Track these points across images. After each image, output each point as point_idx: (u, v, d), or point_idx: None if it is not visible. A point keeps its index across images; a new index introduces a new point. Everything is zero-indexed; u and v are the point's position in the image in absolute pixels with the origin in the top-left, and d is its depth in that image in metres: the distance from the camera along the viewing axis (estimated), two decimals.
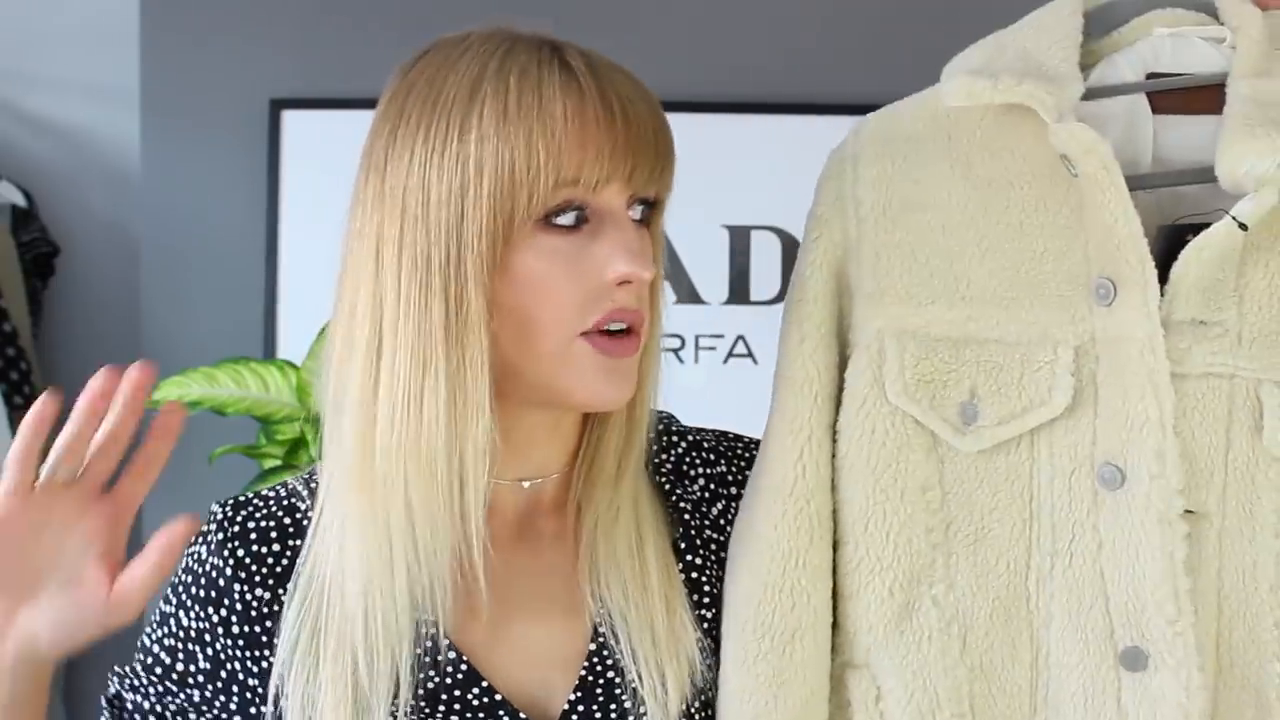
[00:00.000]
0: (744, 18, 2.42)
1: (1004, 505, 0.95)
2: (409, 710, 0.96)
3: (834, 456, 1.00)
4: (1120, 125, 0.97)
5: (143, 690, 1.03)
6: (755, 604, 0.98)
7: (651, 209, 0.99)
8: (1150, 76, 0.98)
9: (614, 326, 0.94)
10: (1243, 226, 0.88)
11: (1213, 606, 0.90)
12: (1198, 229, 0.90)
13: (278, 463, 2.13)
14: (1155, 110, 0.97)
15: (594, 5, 2.26)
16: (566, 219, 0.93)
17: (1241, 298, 0.90)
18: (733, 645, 0.99)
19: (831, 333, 1.01)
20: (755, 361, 2.36)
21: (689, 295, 2.36)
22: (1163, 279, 0.90)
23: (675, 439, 1.10)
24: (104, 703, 1.06)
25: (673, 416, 1.12)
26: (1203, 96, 0.95)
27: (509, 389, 0.96)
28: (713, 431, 1.12)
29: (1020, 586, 0.94)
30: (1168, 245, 0.92)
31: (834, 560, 1.00)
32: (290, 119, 2.40)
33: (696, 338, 2.36)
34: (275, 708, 0.97)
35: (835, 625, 1.00)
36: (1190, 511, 0.90)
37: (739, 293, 2.38)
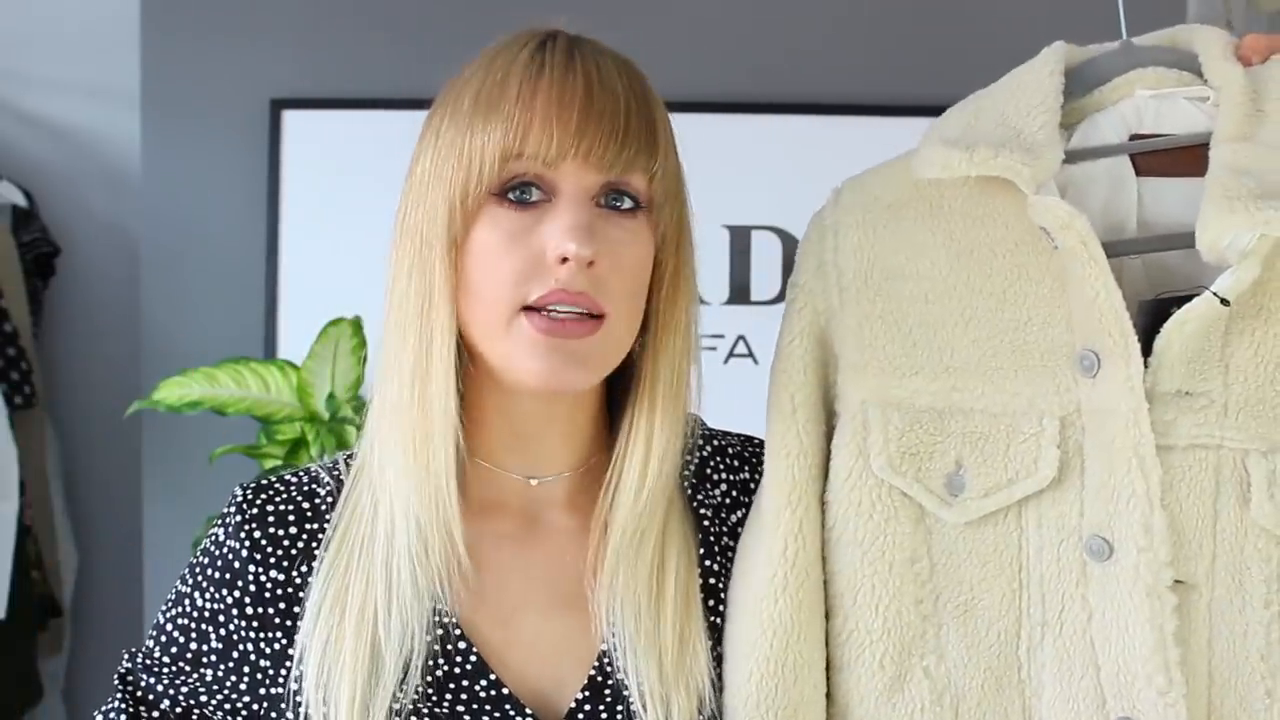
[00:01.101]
0: (745, 18, 2.42)
1: (993, 576, 0.94)
2: (417, 695, 0.97)
3: (823, 528, 1.00)
4: (1104, 189, 0.96)
5: (156, 672, 1.05)
6: (759, 679, 0.97)
7: (645, 203, 0.97)
8: (1133, 137, 0.97)
9: (560, 308, 0.93)
10: (1224, 302, 0.88)
11: (1203, 676, 0.90)
12: (1181, 301, 0.89)
13: (278, 463, 2.13)
14: (1139, 172, 0.96)
15: (594, 5, 2.26)
16: (518, 194, 0.94)
17: (1227, 368, 0.90)
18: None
19: (819, 402, 1.01)
20: (755, 361, 2.36)
21: None
22: (1148, 350, 0.90)
23: (700, 442, 1.09)
24: (116, 680, 1.07)
25: (698, 418, 1.11)
26: (1187, 157, 0.94)
27: (487, 371, 0.98)
28: (738, 436, 1.12)
29: (1011, 656, 0.93)
30: (1152, 318, 0.91)
31: (825, 632, 0.99)
32: (290, 119, 2.40)
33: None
34: (298, 669, 0.99)
35: (828, 696, 0.99)
36: (1179, 582, 0.90)
37: (739, 293, 2.38)
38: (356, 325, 2.11)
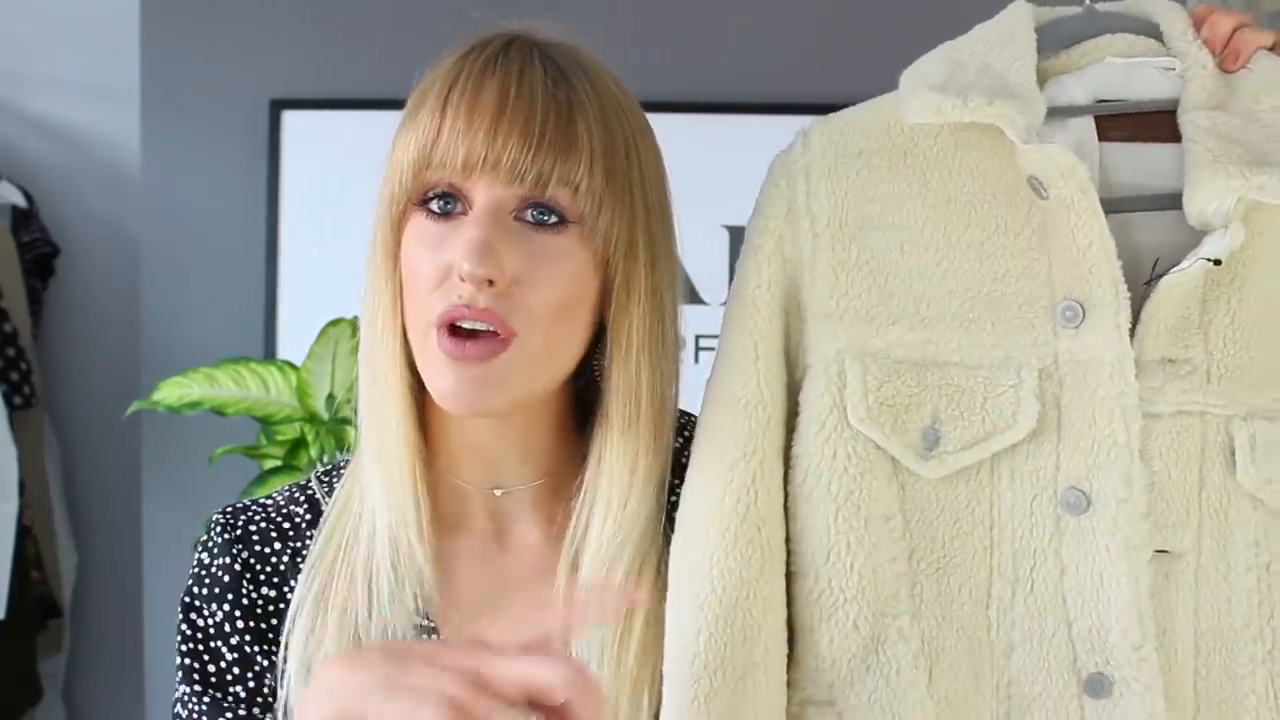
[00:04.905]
0: (744, 18, 2.42)
1: (965, 532, 0.92)
2: None
3: (788, 483, 0.96)
4: (1071, 150, 0.94)
5: (207, 712, 1.01)
6: (705, 639, 0.93)
7: (575, 218, 0.92)
8: (1098, 102, 0.97)
9: (466, 325, 0.91)
10: (1217, 263, 0.88)
11: (1190, 645, 0.90)
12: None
13: (278, 463, 2.13)
14: (1101, 137, 0.95)
15: (593, 5, 2.26)
16: (440, 204, 0.92)
17: (1206, 335, 0.90)
18: (679, 683, 0.93)
19: (781, 351, 0.97)
20: None
21: (689, 295, 2.36)
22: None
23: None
24: None
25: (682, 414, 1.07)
26: (1152, 123, 0.95)
27: None
28: None
29: (981, 615, 0.92)
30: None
31: (790, 592, 0.95)
32: (290, 119, 2.40)
33: (696, 338, 2.36)
34: (283, 662, 0.97)
35: (792, 659, 0.96)
36: (1164, 551, 0.89)
37: None
38: (356, 325, 2.10)
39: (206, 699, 1.01)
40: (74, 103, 2.82)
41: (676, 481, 1.01)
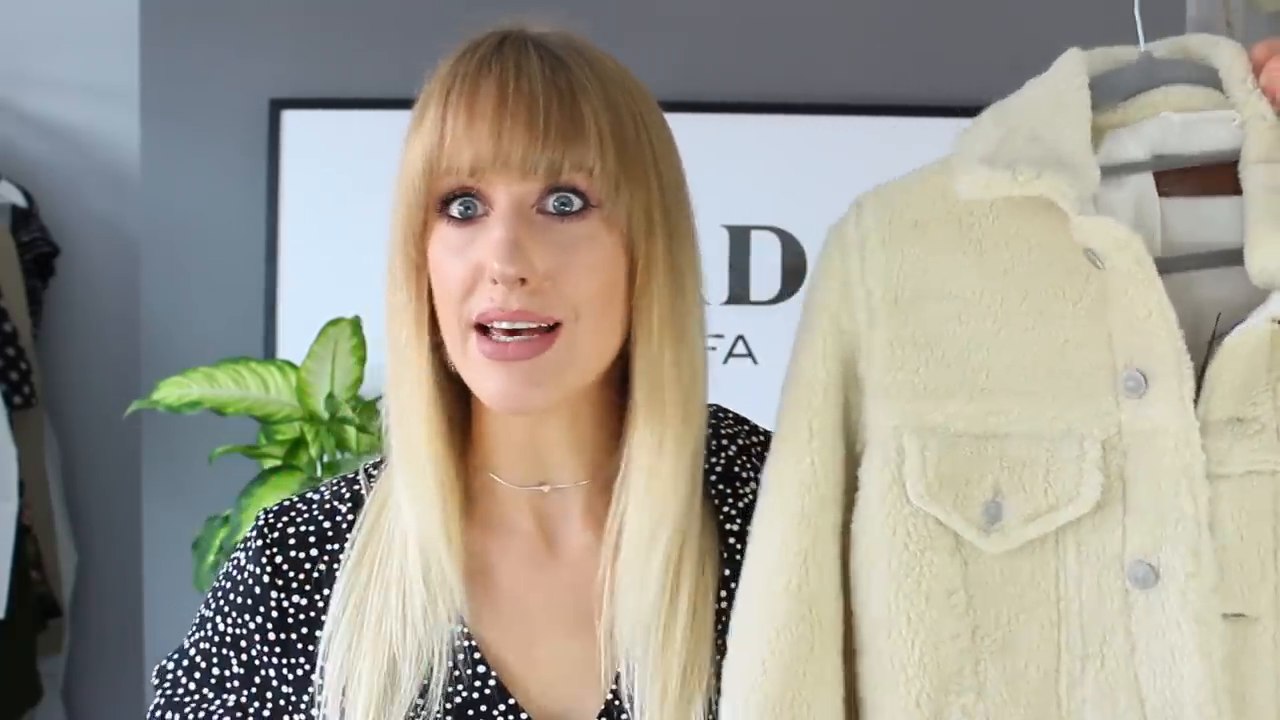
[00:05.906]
0: (746, 18, 2.42)
1: (1030, 607, 0.91)
2: (438, 713, 0.96)
3: (846, 559, 0.95)
4: (1131, 209, 0.94)
5: (178, 704, 1.03)
6: (757, 717, 0.93)
7: (595, 201, 0.92)
8: (1156, 157, 0.95)
9: (502, 325, 0.90)
10: None
11: (1271, 712, 0.88)
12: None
13: (278, 463, 2.13)
14: (1160, 192, 0.94)
15: (593, 5, 2.27)
16: (461, 209, 0.92)
17: (1275, 392, 0.89)
18: None
19: (840, 427, 0.97)
20: (755, 361, 2.36)
21: None
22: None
23: (725, 442, 1.06)
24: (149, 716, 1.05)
25: (720, 415, 1.07)
26: (1213, 176, 0.93)
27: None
28: (765, 433, 1.06)
29: (1050, 692, 0.90)
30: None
31: (853, 669, 0.95)
32: (290, 119, 2.40)
33: None
34: (320, 677, 0.97)
35: None
36: (1240, 615, 0.88)
37: (739, 293, 2.38)
38: (356, 325, 2.11)
39: (195, 695, 1.02)
40: (74, 103, 2.82)
41: (733, 487, 1.02)
